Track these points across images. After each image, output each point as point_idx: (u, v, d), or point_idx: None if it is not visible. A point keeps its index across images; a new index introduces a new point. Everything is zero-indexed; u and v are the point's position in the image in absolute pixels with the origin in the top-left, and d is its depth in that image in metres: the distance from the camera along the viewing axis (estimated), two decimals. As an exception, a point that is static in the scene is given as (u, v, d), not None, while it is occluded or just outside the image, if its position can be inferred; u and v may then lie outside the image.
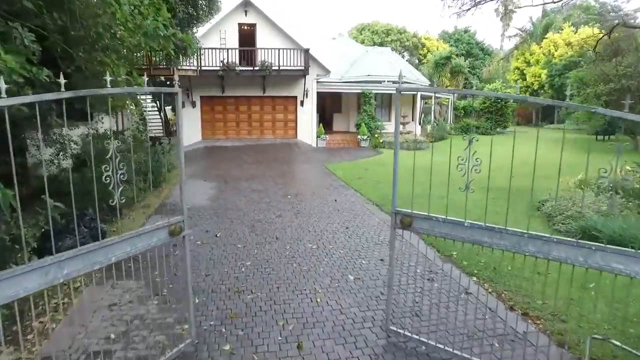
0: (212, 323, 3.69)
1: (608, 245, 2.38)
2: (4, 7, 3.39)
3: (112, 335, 3.45)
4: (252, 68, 17.44)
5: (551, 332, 3.52)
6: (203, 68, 16.56)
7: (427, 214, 3.06)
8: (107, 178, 2.35)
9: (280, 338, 3.46)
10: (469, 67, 37.61)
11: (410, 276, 4.59)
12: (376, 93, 20.06)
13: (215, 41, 17.58)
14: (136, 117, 13.43)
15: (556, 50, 32.84)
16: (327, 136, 19.23)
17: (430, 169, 3.14)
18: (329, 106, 22.70)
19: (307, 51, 17.61)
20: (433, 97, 26.57)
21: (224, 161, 14.28)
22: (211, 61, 16.74)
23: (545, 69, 33.36)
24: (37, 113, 2.01)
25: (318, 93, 19.29)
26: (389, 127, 21.15)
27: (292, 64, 17.60)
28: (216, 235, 6.21)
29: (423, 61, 41.26)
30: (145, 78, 2.74)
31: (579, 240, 2.48)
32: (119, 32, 4.22)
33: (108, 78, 2.23)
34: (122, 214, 7.05)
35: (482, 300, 4.07)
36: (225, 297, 4.22)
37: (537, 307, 3.94)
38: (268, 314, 3.86)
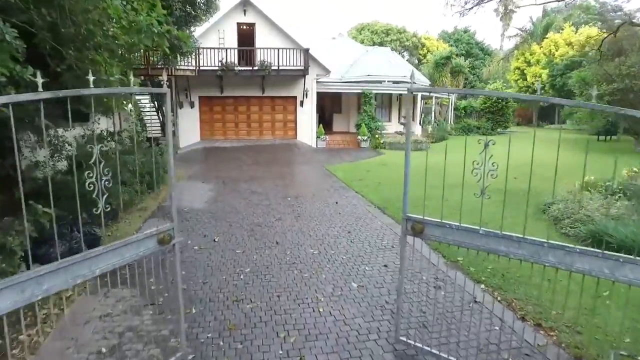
0: (209, 335, 3.51)
1: (638, 258, 2.20)
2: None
3: (104, 349, 3.26)
4: (251, 68, 17.23)
5: (567, 345, 3.34)
6: (201, 68, 16.37)
7: (439, 220, 2.87)
8: (91, 185, 2.17)
9: (281, 352, 3.27)
10: (468, 67, 37.46)
11: (416, 283, 4.41)
12: (376, 93, 19.88)
13: (214, 41, 17.38)
14: (133, 117, 13.21)
15: (557, 50, 32.69)
16: (327, 137, 19.04)
17: (444, 171, 2.96)
18: (329, 106, 22.48)
19: (306, 51, 17.41)
20: (433, 97, 26.46)
21: (222, 162, 14.09)
22: (210, 61, 16.53)
23: (546, 68, 33.19)
24: (11, 115, 1.83)
25: (318, 93, 19.09)
26: (389, 127, 20.99)
27: (291, 64, 17.40)
28: (214, 240, 6.02)
29: (423, 61, 41.10)
30: (132, 78, 2.55)
31: (605, 252, 2.29)
32: (112, 30, 4.03)
33: (91, 78, 2.04)
34: (119, 217, 6.86)
35: (491, 310, 3.89)
36: (223, 306, 4.04)
37: (550, 317, 3.76)
38: (268, 325, 3.67)
